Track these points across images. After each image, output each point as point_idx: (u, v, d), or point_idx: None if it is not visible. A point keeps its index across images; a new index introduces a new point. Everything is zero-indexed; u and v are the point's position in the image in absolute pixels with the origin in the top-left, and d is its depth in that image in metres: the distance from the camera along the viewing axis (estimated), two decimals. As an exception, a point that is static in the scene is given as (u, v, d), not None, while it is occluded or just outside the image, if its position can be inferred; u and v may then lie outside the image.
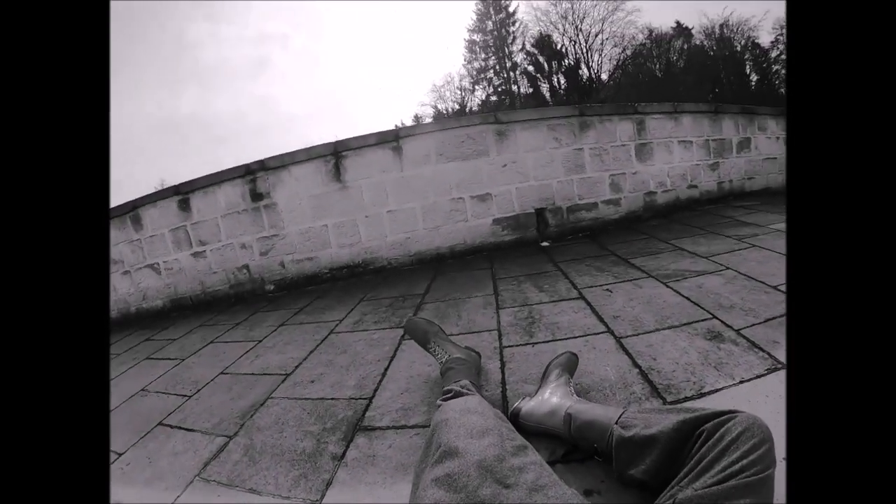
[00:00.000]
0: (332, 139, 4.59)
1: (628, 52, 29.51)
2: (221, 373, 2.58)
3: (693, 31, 29.18)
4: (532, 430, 1.37)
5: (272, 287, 4.81)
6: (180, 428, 1.99)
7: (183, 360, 3.04)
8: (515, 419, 1.42)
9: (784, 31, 26.12)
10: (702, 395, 1.48)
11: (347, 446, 1.56)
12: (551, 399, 1.41)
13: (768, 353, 1.67)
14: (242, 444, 1.72)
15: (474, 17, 32.71)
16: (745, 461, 0.82)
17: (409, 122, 32.20)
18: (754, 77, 28.26)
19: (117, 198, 5.30)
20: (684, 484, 0.86)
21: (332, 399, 1.94)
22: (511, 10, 31.83)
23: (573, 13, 29.64)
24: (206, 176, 4.83)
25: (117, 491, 1.63)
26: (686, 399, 1.47)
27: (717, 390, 1.49)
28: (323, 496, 1.33)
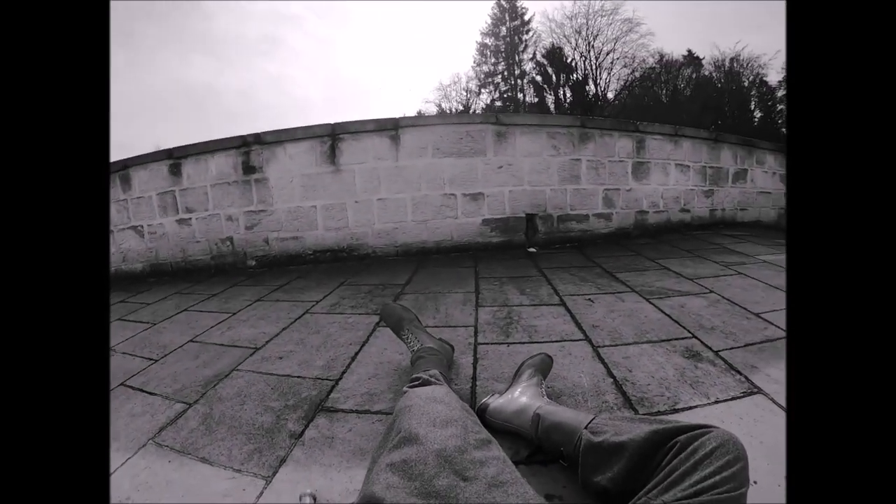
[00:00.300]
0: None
1: (637, 74, 29.46)
2: (191, 340, 2.53)
3: (703, 62, 29.26)
4: (498, 428, 1.33)
5: (254, 262, 4.76)
6: (141, 390, 1.95)
7: (154, 324, 2.98)
8: (482, 415, 1.38)
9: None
10: (675, 410, 1.45)
11: (307, 425, 1.52)
12: (521, 398, 1.37)
13: (745, 377, 1.65)
14: (201, 413, 1.68)
15: (489, 21, 32.61)
16: (717, 477, 0.79)
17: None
18: (758, 114, 28.35)
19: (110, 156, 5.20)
20: (653, 495, 0.82)
21: (299, 377, 1.90)
22: (526, 18, 31.76)
23: (587, 29, 29.58)
24: (201, 143, 4.79)
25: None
26: (659, 413, 1.44)
27: (690, 408, 1.47)
28: (275, 473, 1.29)
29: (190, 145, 4.82)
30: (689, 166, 5.66)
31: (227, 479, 1.28)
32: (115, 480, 1.34)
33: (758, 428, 1.33)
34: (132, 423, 1.67)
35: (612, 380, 1.68)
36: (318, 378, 1.88)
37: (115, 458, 1.44)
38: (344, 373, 1.90)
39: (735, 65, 28.09)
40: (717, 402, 1.49)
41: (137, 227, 5.09)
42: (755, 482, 0.98)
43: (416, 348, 1.74)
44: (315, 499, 1.15)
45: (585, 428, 1.09)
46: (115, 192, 5.09)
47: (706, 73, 29.23)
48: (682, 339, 2.05)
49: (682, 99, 28.53)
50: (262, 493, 1.21)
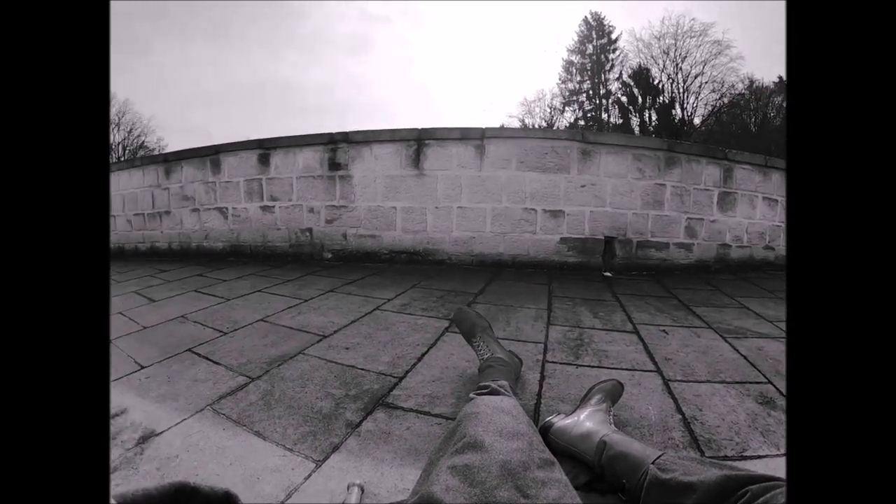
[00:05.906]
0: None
1: (725, 100, 28.45)
2: (261, 319, 2.63)
3: (796, 90, 28.03)
4: (559, 449, 1.31)
5: (330, 255, 4.90)
6: (207, 359, 2.05)
7: (228, 300, 3.12)
8: (545, 433, 1.36)
9: None
10: (743, 457, 1.39)
11: (365, 417, 1.54)
12: (587, 423, 1.35)
13: (823, 432, 1.57)
14: (262, 389, 1.75)
15: (575, 38, 32.40)
16: None
17: (493, 128, 32.20)
18: (854, 146, 26.96)
19: (200, 145, 5.60)
20: None
21: (363, 369, 1.94)
22: (613, 37, 31.34)
23: (675, 50, 28.82)
24: (290, 136, 5.00)
25: (127, 398, 1.69)
26: (726, 458, 1.39)
27: (759, 457, 1.40)
28: (326, 458, 1.31)
29: (280, 138, 5.05)
30: (777, 200, 5.40)
31: (279, 456, 1.31)
32: (166, 438, 1.41)
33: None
34: (193, 387, 1.77)
35: (680, 416, 1.63)
36: (382, 373, 1.91)
37: (172, 417, 1.53)
38: (408, 371, 1.93)
39: (831, 93, 26.77)
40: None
41: (223, 209, 5.36)
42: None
43: (485, 356, 1.73)
44: (363, 490, 1.15)
45: (653, 463, 1.06)
46: (205, 174, 5.42)
47: (799, 101, 28.00)
48: (758, 383, 1.96)
49: (771, 128, 27.30)
50: (310, 476, 1.23)
